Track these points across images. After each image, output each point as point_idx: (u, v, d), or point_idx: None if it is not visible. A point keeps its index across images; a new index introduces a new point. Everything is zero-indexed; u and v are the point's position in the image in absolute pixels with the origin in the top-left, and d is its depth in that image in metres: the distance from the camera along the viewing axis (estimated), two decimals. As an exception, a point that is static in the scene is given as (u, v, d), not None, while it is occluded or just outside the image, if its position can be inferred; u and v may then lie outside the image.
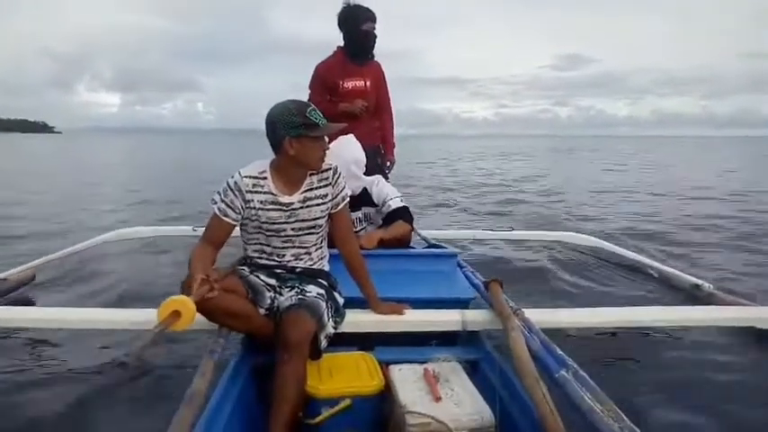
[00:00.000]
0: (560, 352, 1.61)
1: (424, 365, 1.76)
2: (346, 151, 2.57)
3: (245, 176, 1.80)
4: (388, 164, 3.55)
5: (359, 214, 2.72)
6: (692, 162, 23.18)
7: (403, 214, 2.61)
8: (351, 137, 2.67)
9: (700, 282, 3.05)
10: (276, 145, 1.76)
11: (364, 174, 2.70)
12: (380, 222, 2.68)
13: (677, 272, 3.40)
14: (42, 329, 2.52)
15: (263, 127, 1.77)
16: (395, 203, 2.61)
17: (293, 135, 1.72)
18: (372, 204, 2.69)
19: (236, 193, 1.78)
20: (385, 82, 3.43)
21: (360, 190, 2.64)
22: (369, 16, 3.12)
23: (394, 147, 3.55)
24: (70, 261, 3.89)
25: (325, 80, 3.18)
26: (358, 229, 2.71)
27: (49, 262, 3.63)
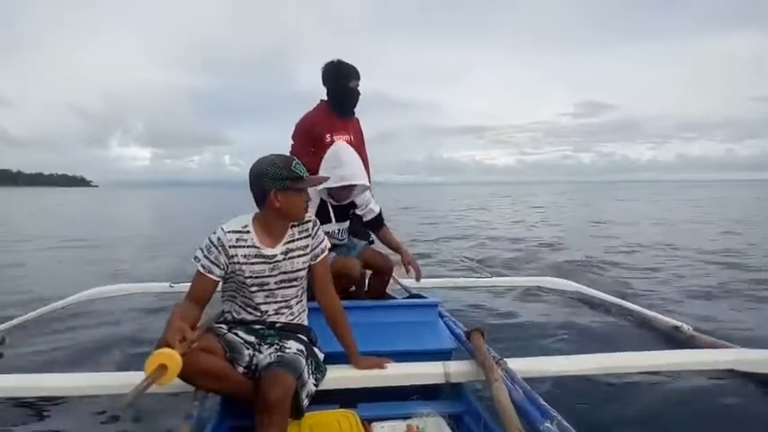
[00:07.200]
0: (543, 402, 1.60)
1: (408, 422, 1.73)
2: (355, 155, 2.63)
3: (228, 231, 1.80)
4: None
5: (345, 225, 2.75)
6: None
7: (376, 222, 2.83)
8: (343, 143, 2.79)
9: (679, 324, 3.08)
10: (261, 198, 1.78)
11: (341, 220, 2.73)
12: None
13: (657, 314, 3.42)
14: (12, 398, 2.37)
15: None
16: (375, 207, 2.83)
17: (279, 188, 1.74)
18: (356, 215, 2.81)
19: (220, 249, 1.77)
20: (363, 137, 3.50)
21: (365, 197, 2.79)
22: (355, 74, 3.20)
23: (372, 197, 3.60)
24: (45, 321, 3.73)
25: (310, 132, 3.19)
26: (341, 240, 2.72)
27: (22, 323, 3.47)
